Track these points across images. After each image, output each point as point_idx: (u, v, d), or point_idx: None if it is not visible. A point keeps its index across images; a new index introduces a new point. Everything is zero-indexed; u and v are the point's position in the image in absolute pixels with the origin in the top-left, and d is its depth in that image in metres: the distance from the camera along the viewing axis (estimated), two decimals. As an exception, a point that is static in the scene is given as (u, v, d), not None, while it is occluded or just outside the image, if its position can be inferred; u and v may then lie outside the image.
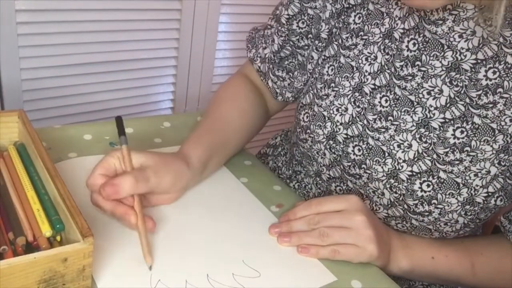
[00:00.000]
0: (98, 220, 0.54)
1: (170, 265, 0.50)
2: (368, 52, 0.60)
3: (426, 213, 0.57)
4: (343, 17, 0.63)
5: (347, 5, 0.63)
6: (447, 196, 0.55)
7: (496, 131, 0.53)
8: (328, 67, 0.64)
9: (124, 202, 0.52)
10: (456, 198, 0.55)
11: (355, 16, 0.62)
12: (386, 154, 0.58)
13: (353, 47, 0.62)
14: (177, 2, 1.25)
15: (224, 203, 0.63)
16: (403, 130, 0.57)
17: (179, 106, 1.42)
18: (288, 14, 0.70)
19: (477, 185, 0.55)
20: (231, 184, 0.68)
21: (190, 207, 0.61)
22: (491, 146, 0.53)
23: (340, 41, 0.63)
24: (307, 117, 0.65)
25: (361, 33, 0.61)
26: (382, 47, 0.59)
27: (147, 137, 0.75)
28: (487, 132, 0.53)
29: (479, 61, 0.53)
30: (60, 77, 1.15)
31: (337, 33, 0.64)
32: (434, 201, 0.56)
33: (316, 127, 0.63)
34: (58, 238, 0.47)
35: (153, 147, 0.72)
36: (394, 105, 0.58)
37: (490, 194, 0.55)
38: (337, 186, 0.66)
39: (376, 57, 0.60)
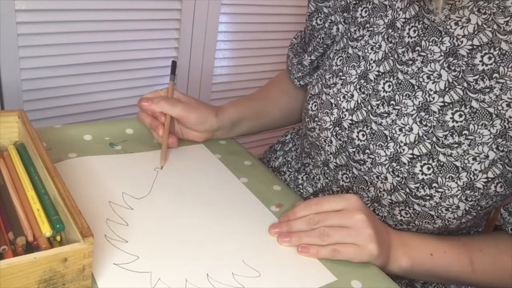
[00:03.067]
0: (98, 220, 0.54)
1: (170, 264, 0.51)
2: (373, 42, 0.64)
3: (427, 197, 0.58)
4: (351, 13, 0.67)
5: (354, 1, 0.67)
6: (447, 180, 0.56)
7: (494, 116, 0.54)
8: (337, 59, 0.68)
9: (159, 120, 0.70)
10: (456, 182, 0.56)
11: (361, 10, 0.66)
12: (388, 138, 0.60)
13: (360, 38, 0.65)
14: (177, 2, 1.25)
15: (224, 203, 0.63)
16: (404, 114, 0.59)
17: (179, 106, 1.41)
18: (308, 12, 0.76)
19: (476, 169, 0.55)
20: (231, 184, 0.68)
21: (191, 206, 0.61)
22: (489, 130, 0.55)
23: (349, 34, 0.67)
24: (315, 106, 0.68)
25: (367, 25, 0.65)
26: (385, 37, 0.62)
27: (147, 137, 0.75)
28: (485, 116, 0.55)
29: (475, 46, 0.55)
30: (60, 77, 1.15)
31: (346, 28, 0.68)
32: (435, 184, 0.57)
33: (324, 115, 0.66)
34: (58, 238, 0.47)
35: (153, 147, 0.72)
36: (396, 90, 0.60)
37: (490, 179, 0.56)
38: (343, 174, 0.67)
39: (380, 46, 0.63)
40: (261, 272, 0.52)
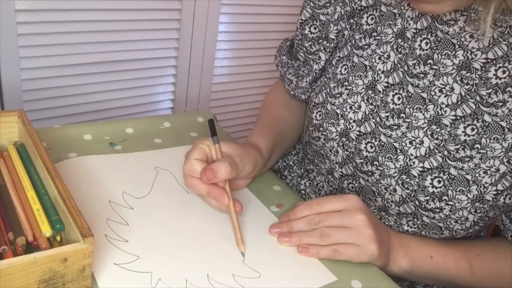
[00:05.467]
0: (98, 219, 0.54)
1: (171, 264, 0.50)
2: (381, 52, 0.62)
3: (437, 210, 0.57)
4: (356, 19, 0.65)
5: (359, 7, 0.65)
6: (458, 193, 0.56)
7: (506, 130, 0.54)
8: (342, 67, 0.66)
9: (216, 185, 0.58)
10: (466, 195, 0.56)
11: (367, 17, 0.64)
12: (398, 151, 0.59)
13: (366, 47, 0.63)
14: (177, 2, 1.25)
15: (224, 203, 0.63)
16: (415, 127, 0.59)
17: (179, 106, 1.42)
18: (301, 19, 0.72)
19: (486, 183, 0.55)
20: (231, 184, 0.68)
21: (191, 206, 0.61)
22: (501, 144, 0.54)
23: (353, 41, 0.65)
24: (319, 115, 0.67)
25: (374, 33, 0.63)
26: (395, 47, 0.61)
27: (147, 137, 0.75)
28: (497, 130, 0.54)
29: (489, 60, 0.54)
30: (60, 77, 1.15)
31: (350, 34, 0.66)
32: (445, 197, 0.57)
33: (329, 125, 0.65)
34: (58, 238, 0.47)
35: (153, 147, 0.72)
36: (406, 103, 0.59)
37: (499, 192, 0.56)
38: (349, 183, 0.66)
39: (389, 56, 0.61)
40: (261, 273, 0.52)
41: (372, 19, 0.63)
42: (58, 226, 0.46)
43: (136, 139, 0.74)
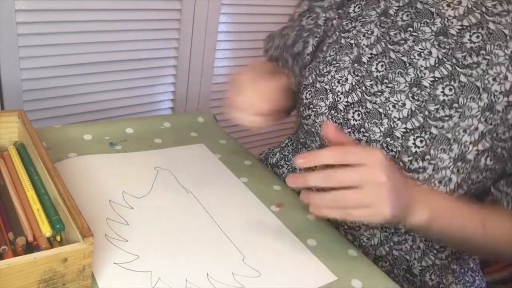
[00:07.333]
0: (98, 219, 0.54)
1: (171, 264, 0.51)
2: (365, 30, 0.67)
3: (421, 170, 0.60)
4: (344, 9, 0.71)
5: None
6: (439, 152, 0.59)
7: (481, 89, 0.58)
8: (331, 50, 0.70)
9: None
10: (448, 154, 0.58)
11: (355, 6, 0.70)
12: (383, 115, 0.62)
13: (352, 29, 0.69)
14: (177, 2, 1.25)
15: (224, 203, 0.63)
16: (397, 91, 0.62)
17: (179, 106, 1.42)
18: (299, 12, 0.77)
19: (466, 141, 0.58)
20: (231, 184, 0.68)
21: (191, 206, 0.61)
22: (477, 103, 0.58)
23: (341, 28, 0.70)
24: (309, 94, 0.70)
25: (360, 17, 0.69)
26: (378, 23, 0.66)
27: (147, 137, 0.75)
28: (473, 90, 0.58)
29: (464, 27, 0.60)
30: (60, 77, 1.15)
31: (339, 23, 0.71)
32: (427, 156, 0.59)
33: (319, 100, 0.68)
34: (58, 238, 0.47)
35: (153, 147, 0.72)
36: (389, 68, 0.63)
37: (480, 152, 0.58)
38: None
39: (372, 32, 0.66)
40: (261, 272, 0.52)
41: (359, 7, 0.69)
42: (58, 226, 0.46)
43: (136, 139, 0.74)
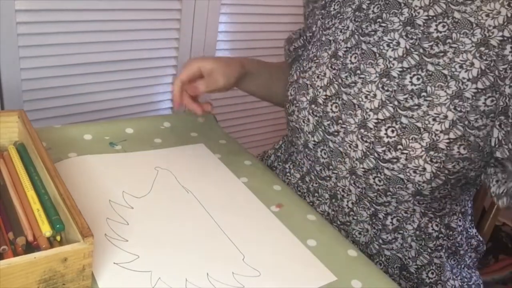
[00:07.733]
0: (98, 219, 0.54)
1: (171, 263, 0.51)
2: (342, 26, 0.70)
3: (394, 160, 0.61)
4: (326, 9, 0.74)
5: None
6: (411, 141, 0.60)
7: (448, 77, 0.59)
8: (313, 47, 0.74)
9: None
10: (419, 143, 0.59)
11: (334, 4, 0.73)
12: (356, 106, 0.65)
13: (331, 26, 0.72)
14: (177, 2, 1.25)
15: (224, 203, 0.63)
16: (368, 82, 0.64)
17: (179, 106, 1.41)
18: (304, 14, 0.82)
19: (436, 130, 0.59)
20: (231, 184, 0.68)
21: (191, 206, 0.61)
22: (445, 91, 0.59)
23: (323, 26, 0.74)
24: (293, 90, 0.73)
25: (338, 14, 0.71)
26: (353, 19, 0.69)
27: (147, 137, 0.75)
28: (440, 78, 0.59)
29: (430, 17, 0.61)
30: (60, 77, 1.15)
31: (322, 22, 0.74)
32: (400, 146, 0.60)
33: (301, 96, 0.71)
34: (58, 238, 0.47)
35: (153, 147, 0.72)
36: (361, 60, 0.66)
37: (452, 140, 0.59)
38: (322, 150, 0.69)
39: (348, 27, 0.69)
40: (261, 272, 0.52)
41: (338, 4, 0.72)
42: (58, 226, 0.46)
43: (136, 139, 0.74)
